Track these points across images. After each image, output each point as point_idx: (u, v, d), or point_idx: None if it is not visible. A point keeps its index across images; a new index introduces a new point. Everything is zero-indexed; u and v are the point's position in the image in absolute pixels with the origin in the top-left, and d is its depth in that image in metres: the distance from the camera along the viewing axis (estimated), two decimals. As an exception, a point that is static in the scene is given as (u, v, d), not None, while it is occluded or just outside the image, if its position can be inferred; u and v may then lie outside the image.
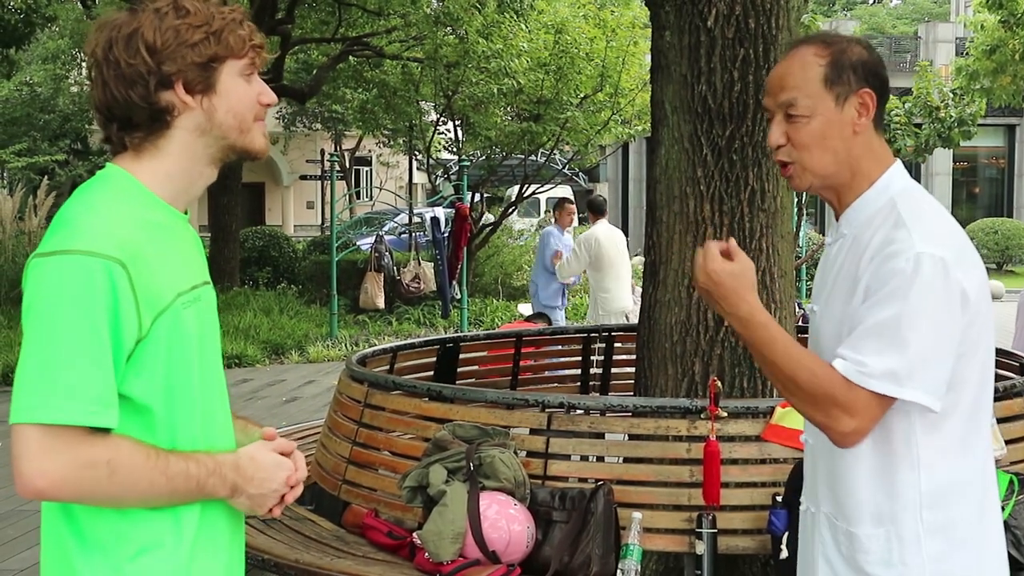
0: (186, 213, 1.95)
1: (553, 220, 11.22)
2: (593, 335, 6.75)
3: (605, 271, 9.73)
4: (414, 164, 21.17)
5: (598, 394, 6.48)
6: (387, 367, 5.63)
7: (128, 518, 1.80)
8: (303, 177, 37.92)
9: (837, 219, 2.25)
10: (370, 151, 34.17)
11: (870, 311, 2.04)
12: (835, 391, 2.03)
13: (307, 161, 35.96)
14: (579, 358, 6.72)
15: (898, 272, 2.02)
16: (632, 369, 5.12)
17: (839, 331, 2.12)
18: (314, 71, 17.44)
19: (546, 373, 6.88)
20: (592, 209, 10.16)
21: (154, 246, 1.81)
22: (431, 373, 5.99)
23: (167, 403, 1.82)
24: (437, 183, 19.15)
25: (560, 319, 10.38)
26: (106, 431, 1.73)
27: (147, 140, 1.87)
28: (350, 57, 16.85)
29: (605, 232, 9.84)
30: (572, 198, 12.59)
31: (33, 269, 1.75)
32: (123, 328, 1.73)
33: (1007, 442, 3.98)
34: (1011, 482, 3.76)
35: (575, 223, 11.50)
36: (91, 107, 1.94)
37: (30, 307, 1.74)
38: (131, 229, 1.78)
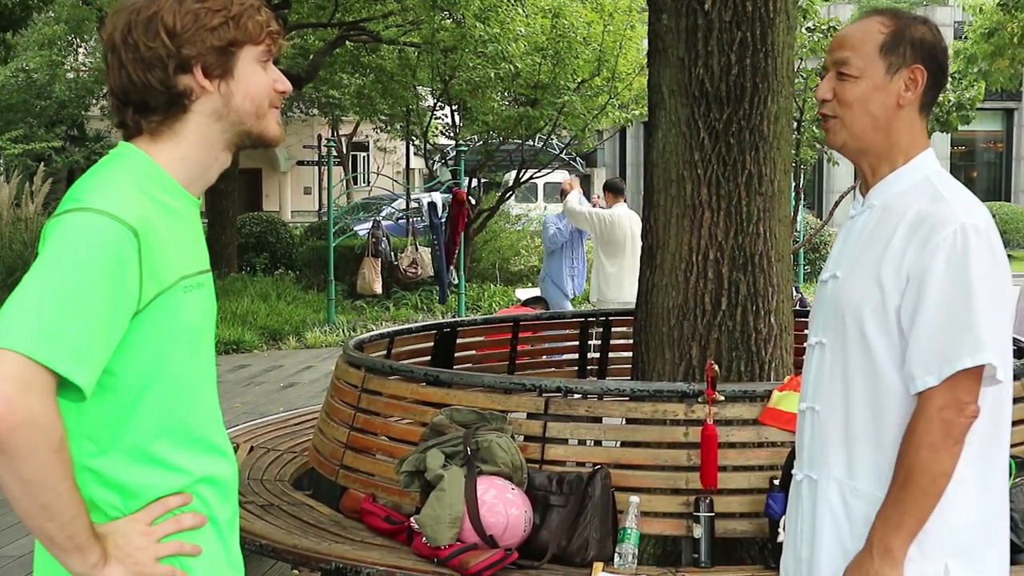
0: (199, 199, 1.94)
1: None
2: (591, 319, 6.75)
3: (610, 255, 9.49)
4: (411, 149, 21.15)
5: (596, 378, 6.48)
6: (384, 352, 5.63)
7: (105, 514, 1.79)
8: (300, 163, 37.85)
9: (863, 193, 2.29)
10: (367, 136, 34.11)
11: (930, 292, 2.06)
12: (944, 409, 2.05)
13: (304, 147, 35.90)
14: (577, 343, 6.72)
15: (947, 245, 2.06)
16: (630, 353, 5.12)
17: (869, 293, 2.14)
18: (311, 56, 17.38)
19: (544, 358, 6.89)
20: (610, 189, 9.70)
21: (166, 226, 1.80)
22: (428, 358, 5.99)
23: (147, 384, 1.80)
24: (434, 168, 19.11)
25: (567, 305, 10.23)
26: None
27: (164, 124, 1.87)
28: (347, 42, 16.81)
29: (622, 215, 9.47)
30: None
31: (50, 227, 1.74)
32: (125, 297, 1.72)
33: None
34: (1009, 465, 3.76)
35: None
36: (107, 90, 1.92)
37: (45, 250, 1.71)
38: (146, 205, 1.78)
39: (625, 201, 9.64)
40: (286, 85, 1.97)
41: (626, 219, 9.42)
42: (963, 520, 2.13)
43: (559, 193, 10.74)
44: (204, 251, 1.95)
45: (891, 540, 2.08)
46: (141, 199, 1.78)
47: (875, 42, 2.20)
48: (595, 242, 9.58)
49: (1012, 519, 3.60)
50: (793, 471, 2.38)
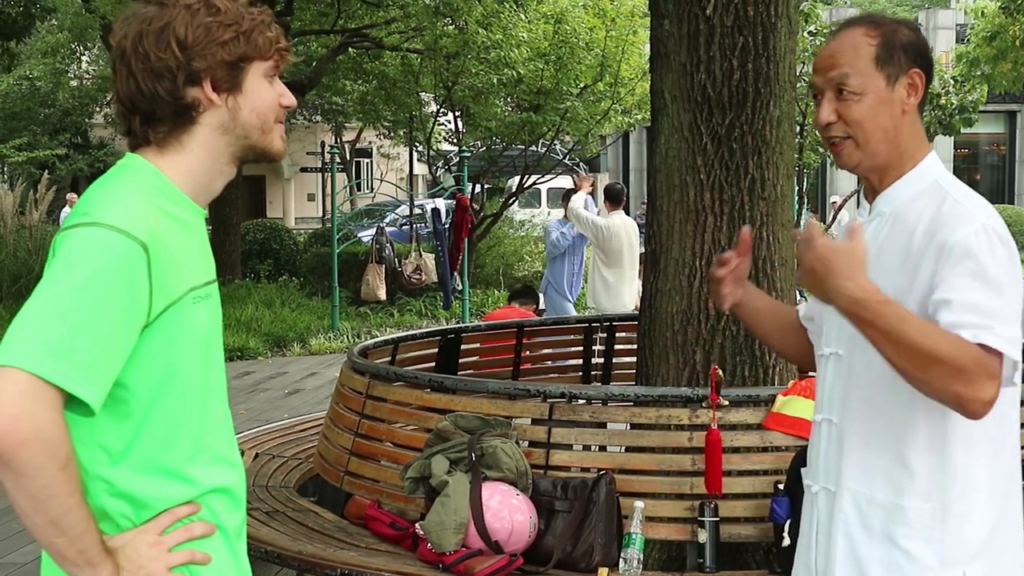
0: (205, 210, 1.95)
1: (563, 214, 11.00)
2: (595, 325, 6.75)
3: (607, 264, 9.45)
4: (415, 155, 21.16)
5: (600, 384, 6.48)
6: (389, 358, 5.63)
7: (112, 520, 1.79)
8: (304, 169, 37.84)
9: (870, 200, 2.25)
10: (370, 143, 34.15)
11: (953, 289, 2.01)
12: (982, 359, 1.96)
13: (307, 153, 35.90)
14: (581, 348, 6.72)
15: (969, 246, 2.03)
16: (634, 358, 5.12)
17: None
18: (314, 63, 17.42)
19: (548, 363, 6.89)
20: (609, 197, 9.59)
21: (175, 238, 1.81)
22: (433, 364, 5.99)
23: (157, 395, 1.80)
24: (438, 174, 19.12)
25: (571, 311, 10.21)
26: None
27: (171, 135, 1.87)
28: (350, 49, 16.85)
29: (622, 224, 9.39)
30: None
31: (61, 241, 1.74)
32: (134, 312, 1.72)
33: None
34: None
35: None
36: (114, 98, 1.92)
37: (54, 266, 1.71)
38: (155, 217, 1.78)
39: (624, 209, 9.58)
40: (291, 100, 1.97)
41: (622, 229, 9.33)
42: (980, 529, 2.11)
43: (563, 196, 10.55)
44: (211, 262, 1.96)
45: (870, 305, 1.97)
46: (150, 212, 1.79)
47: (868, 55, 2.15)
48: (593, 248, 9.53)
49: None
50: (807, 481, 2.34)
